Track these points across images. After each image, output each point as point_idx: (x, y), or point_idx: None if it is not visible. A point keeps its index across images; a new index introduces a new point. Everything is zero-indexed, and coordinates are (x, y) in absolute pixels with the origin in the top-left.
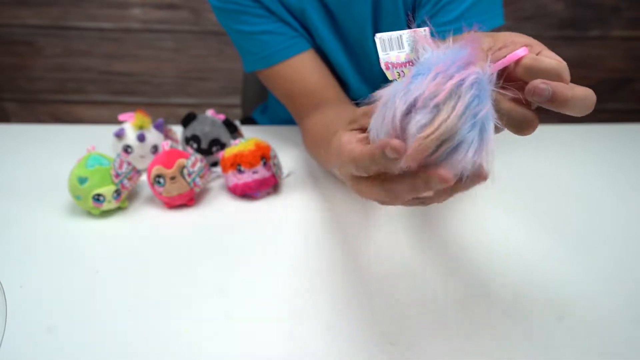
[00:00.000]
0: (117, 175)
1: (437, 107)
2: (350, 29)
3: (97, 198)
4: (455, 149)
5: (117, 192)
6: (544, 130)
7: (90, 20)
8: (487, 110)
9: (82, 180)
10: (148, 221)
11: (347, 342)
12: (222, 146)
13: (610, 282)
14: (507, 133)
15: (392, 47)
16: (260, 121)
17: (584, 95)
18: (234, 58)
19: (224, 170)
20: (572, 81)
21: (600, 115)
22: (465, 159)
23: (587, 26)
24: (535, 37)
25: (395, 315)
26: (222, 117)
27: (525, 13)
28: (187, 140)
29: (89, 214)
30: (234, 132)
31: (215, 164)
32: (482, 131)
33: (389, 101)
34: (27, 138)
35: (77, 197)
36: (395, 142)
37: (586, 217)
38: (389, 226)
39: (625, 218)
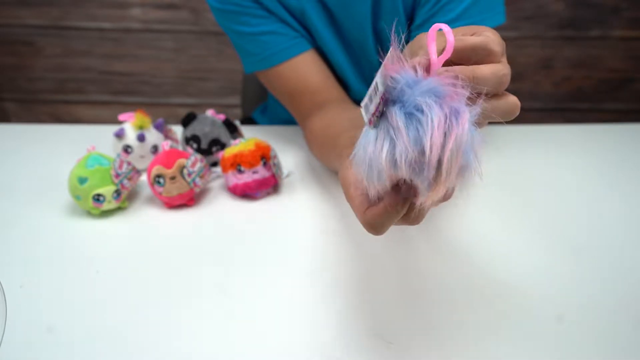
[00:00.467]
0: (117, 175)
1: (440, 165)
2: (350, 29)
3: (97, 198)
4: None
5: (117, 192)
6: (543, 130)
7: (90, 20)
8: (479, 139)
9: (82, 180)
10: (148, 221)
11: (346, 341)
12: (222, 146)
13: (610, 282)
14: (507, 134)
15: (371, 100)
16: (260, 121)
17: (490, 73)
18: (234, 58)
19: (224, 170)
20: (573, 81)
21: (600, 115)
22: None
23: (587, 26)
24: (535, 37)
25: (395, 315)
26: (222, 117)
27: (525, 13)
28: (187, 140)
29: (89, 214)
30: (234, 132)
31: (215, 164)
32: (476, 153)
33: (378, 156)
34: (27, 138)
35: (77, 197)
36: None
37: (586, 217)
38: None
39: (625, 218)
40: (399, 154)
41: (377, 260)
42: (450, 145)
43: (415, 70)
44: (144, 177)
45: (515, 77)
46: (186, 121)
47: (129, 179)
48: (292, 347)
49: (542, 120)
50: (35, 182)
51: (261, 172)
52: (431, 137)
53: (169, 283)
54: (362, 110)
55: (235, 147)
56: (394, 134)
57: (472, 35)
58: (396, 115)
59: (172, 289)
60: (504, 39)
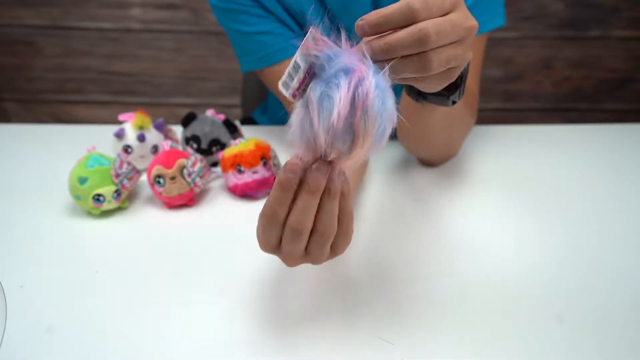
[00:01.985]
0: (117, 175)
1: (352, 130)
2: (350, 30)
3: (97, 198)
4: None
5: (117, 192)
6: (544, 130)
7: (90, 20)
8: (391, 104)
9: (82, 180)
10: (148, 221)
11: (347, 341)
12: (222, 146)
13: (611, 282)
14: (507, 134)
15: (291, 78)
16: (260, 121)
17: (404, 34)
18: (234, 58)
19: (224, 170)
20: (573, 81)
21: (600, 115)
22: (382, 141)
23: (587, 26)
24: (535, 37)
25: (396, 315)
26: (222, 117)
27: (525, 13)
28: (187, 140)
29: (89, 214)
30: (234, 132)
31: (215, 164)
32: (389, 120)
33: (305, 126)
34: (27, 138)
35: (77, 197)
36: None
37: (586, 217)
38: (390, 227)
39: (625, 218)
40: (315, 123)
41: (377, 260)
42: (358, 113)
43: (333, 47)
44: (144, 177)
45: (515, 77)
46: (186, 121)
47: (129, 179)
48: (293, 347)
49: (542, 120)
50: (35, 182)
51: (261, 172)
52: (338, 103)
53: (168, 283)
54: (281, 88)
55: (235, 147)
56: (310, 108)
57: None
58: (313, 92)
59: (171, 288)
60: (505, 39)
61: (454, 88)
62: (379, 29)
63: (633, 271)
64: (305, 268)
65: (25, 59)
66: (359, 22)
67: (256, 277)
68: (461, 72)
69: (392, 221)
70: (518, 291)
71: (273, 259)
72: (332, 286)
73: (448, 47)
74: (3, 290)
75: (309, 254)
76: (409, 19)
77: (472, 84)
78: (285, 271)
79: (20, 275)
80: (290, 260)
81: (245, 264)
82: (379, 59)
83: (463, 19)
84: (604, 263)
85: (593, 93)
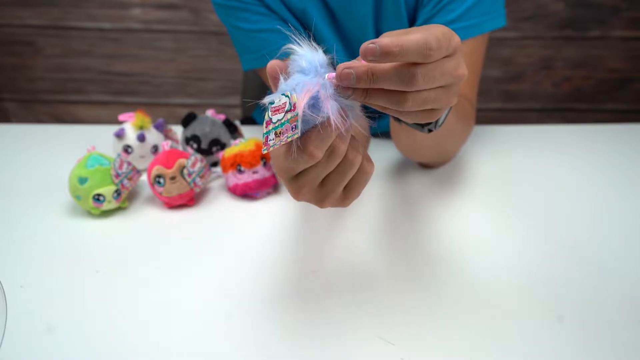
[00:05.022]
0: (117, 175)
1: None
2: (352, 29)
3: (97, 198)
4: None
5: (117, 192)
6: (543, 130)
7: (90, 20)
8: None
9: (82, 180)
10: (148, 221)
11: (347, 341)
12: (222, 146)
13: (610, 282)
14: (507, 134)
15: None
16: (260, 121)
17: (389, 67)
18: (234, 58)
19: (224, 170)
20: (573, 81)
21: (600, 115)
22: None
23: (587, 26)
24: (535, 37)
25: (396, 315)
26: (222, 117)
27: (525, 13)
28: (187, 140)
29: (89, 214)
30: (234, 132)
31: (215, 164)
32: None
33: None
34: (27, 138)
35: (77, 197)
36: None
37: (586, 216)
38: (390, 227)
39: (625, 218)
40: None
41: (378, 260)
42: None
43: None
44: (144, 177)
45: (515, 77)
46: (186, 121)
47: (129, 179)
48: (293, 347)
49: (542, 120)
50: (35, 182)
51: (261, 172)
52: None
53: (168, 283)
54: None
55: (235, 147)
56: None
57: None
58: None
59: (171, 288)
60: (505, 39)
61: None
62: (392, 58)
63: (633, 270)
64: (304, 268)
65: (25, 59)
66: (369, 44)
67: (256, 277)
68: None
69: (392, 221)
70: (518, 291)
71: (273, 260)
72: (332, 286)
73: (430, 90)
74: (3, 290)
75: (323, 187)
76: (426, 56)
77: (468, 91)
78: (286, 271)
79: (20, 275)
80: (300, 190)
81: (246, 263)
82: (356, 86)
83: (455, 65)
84: (605, 263)
85: (593, 93)
